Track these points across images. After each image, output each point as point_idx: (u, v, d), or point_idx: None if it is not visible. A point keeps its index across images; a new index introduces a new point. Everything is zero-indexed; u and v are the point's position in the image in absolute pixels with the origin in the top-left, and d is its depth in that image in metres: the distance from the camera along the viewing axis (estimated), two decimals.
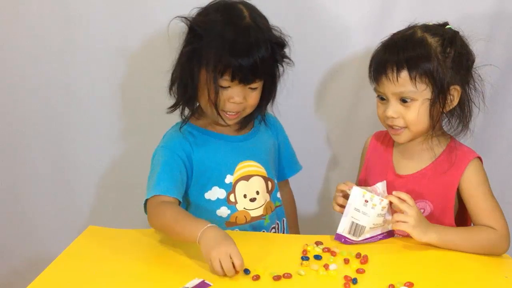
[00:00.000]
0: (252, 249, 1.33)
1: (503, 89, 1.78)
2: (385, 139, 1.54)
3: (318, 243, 1.36)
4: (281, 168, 1.64)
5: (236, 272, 1.21)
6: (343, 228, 1.38)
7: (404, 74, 1.35)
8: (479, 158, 1.42)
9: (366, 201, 1.36)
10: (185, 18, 1.42)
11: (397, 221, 1.33)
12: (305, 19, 1.73)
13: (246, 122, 1.53)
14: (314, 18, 1.72)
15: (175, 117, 1.50)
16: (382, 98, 1.42)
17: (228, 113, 1.44)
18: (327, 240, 1.39)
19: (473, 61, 1.42)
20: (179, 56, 1.44)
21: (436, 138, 1.42)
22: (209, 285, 1.19)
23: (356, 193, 1.37)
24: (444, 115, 1.41)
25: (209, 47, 1.37)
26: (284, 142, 1.65)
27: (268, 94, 1.49)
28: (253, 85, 1.42)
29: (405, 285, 1.18)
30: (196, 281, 1.20)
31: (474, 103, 1.41)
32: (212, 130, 1.51)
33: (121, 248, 1.35)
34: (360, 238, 1.37)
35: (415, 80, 1.35)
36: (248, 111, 1.47)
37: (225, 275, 1.21)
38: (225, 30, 1.37)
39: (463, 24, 1.45)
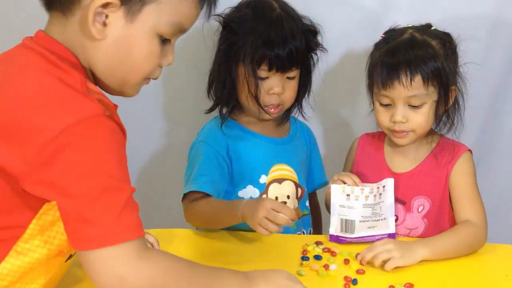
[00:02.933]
0: (252, 249, 1.34)
1: (503, 91, 1.79)
2: (374, 139, 1.54)
3: (318, 243, 1.36)
4: (312, 180, 1.64)
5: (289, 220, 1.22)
6: (334, 228, 1.38)
7: (418, 78, 1.35)
8: (470, 151, 1.44)
9: (348, 195, 1.37)
10: (218, 15, 1.45)
11: (383, 262, 1.25)
12: None
13: (284, 117, 1.56)
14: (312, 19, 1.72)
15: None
16: (386, 104, 1.41)
17: (269, 106, 1.46)
18: (327, 240, 1.39)
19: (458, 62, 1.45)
20: (215, 55, 1.48)
21: (429, 136, 1.45)
22: None
23: (336, 190, 1.38)
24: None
25: (244, 41, 1.41)
26: (316, 153, 1.66)
27: (304, 85, 1.52)
28: (291, 74, 1.45)
29: (405, 286, 1.18)
30: None
31: (458, 103, 1.43)
32: (252, 130, 1.52)
33: None
34: (355, 235, 1.37)
35: (427, 83, 1.35)
36: (287, 105, 1.50)
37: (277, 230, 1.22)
38: (258, 23, 1.41)
39: (458, 26, 1.46)
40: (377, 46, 1.44)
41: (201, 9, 1.02)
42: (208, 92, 1.52)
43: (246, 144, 1.50)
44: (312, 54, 1.50)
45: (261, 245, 1.36)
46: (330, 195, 1.42)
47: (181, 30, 1.00)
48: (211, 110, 1.53)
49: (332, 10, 1.73)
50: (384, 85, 1.37)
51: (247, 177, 1.48)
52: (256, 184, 1.49)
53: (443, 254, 1.30)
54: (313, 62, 1.51)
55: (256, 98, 1.43)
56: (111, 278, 0.87)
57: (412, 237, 1.44)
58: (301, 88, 1.52)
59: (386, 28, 1.48)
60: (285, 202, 1.49)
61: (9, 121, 0.88)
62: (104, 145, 0.88)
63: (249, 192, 1.49)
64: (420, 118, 1.38)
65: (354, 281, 1.20)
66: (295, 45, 1.41)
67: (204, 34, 1.49)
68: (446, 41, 1.40)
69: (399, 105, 1.38)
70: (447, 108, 1.41)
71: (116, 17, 0.93)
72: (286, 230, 1.45)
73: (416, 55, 1.35)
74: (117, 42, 0.94)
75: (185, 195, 1.41)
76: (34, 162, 0.86)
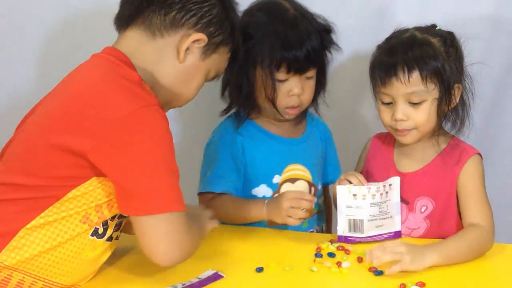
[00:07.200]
0: (267, 244, 1.35)
1: (504, 90, 1.80)
2: (386, 139, 1.55)
3: (332, 241, 1.38)
4: (325, 174, 1.65)
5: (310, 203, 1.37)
6: (342, 229, 1.39)
7: (416, 74, 1.36)
8: (480, 154, 1.45)
9: (355, 195, 1.38)
10: None
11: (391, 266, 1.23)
12: None
13: (301, 117, 1.56)
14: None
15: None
16: (387, 103, 1.42)
17: (288, 107, 1.47)
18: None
19: (463, 60, 1.45)
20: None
21: (438, 136, 1.45)
22: (222, 277, 1.20)
23: (342, 191, 1.39)
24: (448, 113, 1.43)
25: (261, 45, 1.41)
26: (332, 149, 1.67)
27: (320, 84, 1.53)
28: (309, 74, 1.46)
29: (416, 284, 1.19)
30: (209, 272, 1.21)
31: (469, 100, 1.44)
32: (268, 130, 1.53)
33: (132, 238, 1.35)
34: (365, 235, 1.38)
35: (426, 79, 1.36)
36: (306, 105, 1.51)
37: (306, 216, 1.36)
38: (273, 26, 1.42)
39: (460, 25, 1.49)
40: (379, 47, 1.46)
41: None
42: (222, 94, 1.53)
43: (260, 144, 1.51)
44: (327, 52, 1.51)
45: (276, 240, 1.37)
46: (336, 195, 1.43)
47: (213, 77, 1.32)
48: (226, 111, 1.55)
49: (340, 8, 1.74)
50: (383, 83, 1.39)
51: (260, 176, 1.50)
52: (270, 184, 1.51)
53: (451, 259, 1.29)
54: (328, 61, 1.52)
55: (273, 101, 1.44)
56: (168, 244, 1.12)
57: (413, 237, 1.45)
58: (317, 87, 1.53)
59: (394, 26, 1.48)
60: None
61: (73, 109, 1.10)
62: (161, 130, 1.11)
63: (262, 191, 1.51)
64: (421, 115, 1.38)
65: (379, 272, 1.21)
66: (312, 45, 1.42)
67: None
68: (448, 39, 1.41)
69: (399, 103, 1.39)
70: (452, 106, 1.41)
71: (197, 52, 1.24)
72: (298, 228, 1.47)
73: (415, 53, 1.37)
74: (188, 68, 1.25)
75: (201, 193, 1.46)
76: (102, 139, 1.06)
